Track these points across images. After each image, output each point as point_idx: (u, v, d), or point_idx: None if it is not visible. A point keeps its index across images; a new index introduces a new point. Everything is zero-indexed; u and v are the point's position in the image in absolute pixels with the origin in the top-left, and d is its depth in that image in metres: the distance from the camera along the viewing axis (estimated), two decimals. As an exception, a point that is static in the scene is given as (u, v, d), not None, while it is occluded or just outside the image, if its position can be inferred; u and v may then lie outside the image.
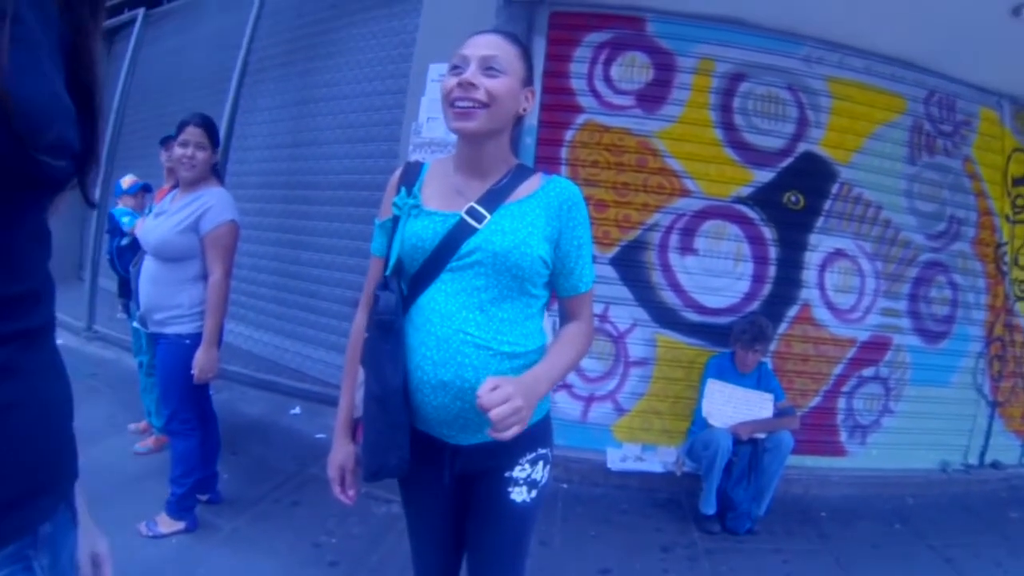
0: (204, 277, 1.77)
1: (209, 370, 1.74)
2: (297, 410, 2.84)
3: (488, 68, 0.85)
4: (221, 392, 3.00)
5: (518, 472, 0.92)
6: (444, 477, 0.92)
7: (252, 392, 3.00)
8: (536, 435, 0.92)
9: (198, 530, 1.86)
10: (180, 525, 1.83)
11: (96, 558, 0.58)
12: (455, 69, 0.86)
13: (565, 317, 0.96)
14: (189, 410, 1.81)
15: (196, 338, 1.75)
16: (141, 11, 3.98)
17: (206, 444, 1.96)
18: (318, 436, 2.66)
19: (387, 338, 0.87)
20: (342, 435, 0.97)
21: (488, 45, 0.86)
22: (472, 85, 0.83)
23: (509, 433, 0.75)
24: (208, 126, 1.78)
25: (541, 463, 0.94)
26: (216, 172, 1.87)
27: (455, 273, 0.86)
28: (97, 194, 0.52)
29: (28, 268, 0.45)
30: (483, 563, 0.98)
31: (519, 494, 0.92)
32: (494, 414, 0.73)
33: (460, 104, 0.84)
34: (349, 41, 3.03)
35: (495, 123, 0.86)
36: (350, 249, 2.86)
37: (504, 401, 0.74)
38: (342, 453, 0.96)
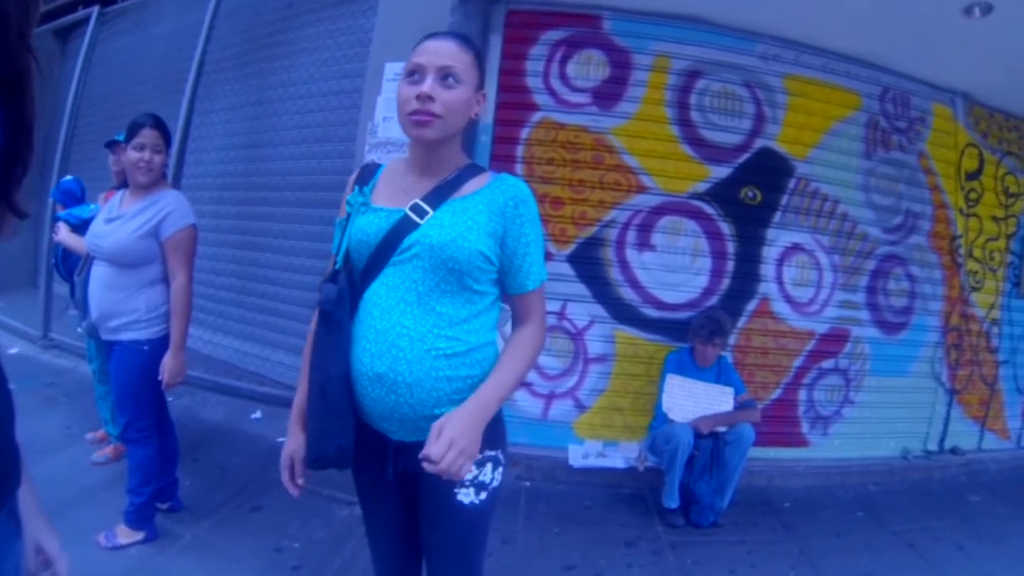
0: (160, 281, 1.74)
1: (178, 375, 1.73)
2: (258, 414, 2.79)
3: (445, 78, 0.86)
4: (181, 398, 2.94)
5: None
6: (388, 474, 0.93)
7: (213, 397, 2.94)
8: (483, 436, 0.90)
9: (159, 539, 1.82)
10: (139, 535, 1.79)
11: (46, 557, 0.56)
12: (411, 76, 0.86)
13: (516, 318, 0.96)
14: (146, 418, 1.77)
15: (154, 344, 1.72)
16: (95, 9, 3.88)
17: (164, 452, 1.92)
18: (279, 440, 2.60)
19: (328, 328, 0.89)
20: (295, 425, 0.98)
21: (445, 54, 0.86)
22: (430, 98, 0.85)
23: (462, 472, 0.78)
24: (162, 127, 1.75)
25: (490, 465, 0.93)
26: (165, 174, 1.83)
27: (396, 267, 0.88)
28: (28, 203, 0.49)
29: None
30: (437, 564, 0.97)
31: (466, 496, 0.92)
32: (442, 467, 0.76)
33: (416, 116, 0.85)
34: (305, 40, 2.99)
35: (449, 131, 0.89)
36: (309, 251, 2.82)
37: (447, 449, 0.77)
38: (293, 443, 0.97)
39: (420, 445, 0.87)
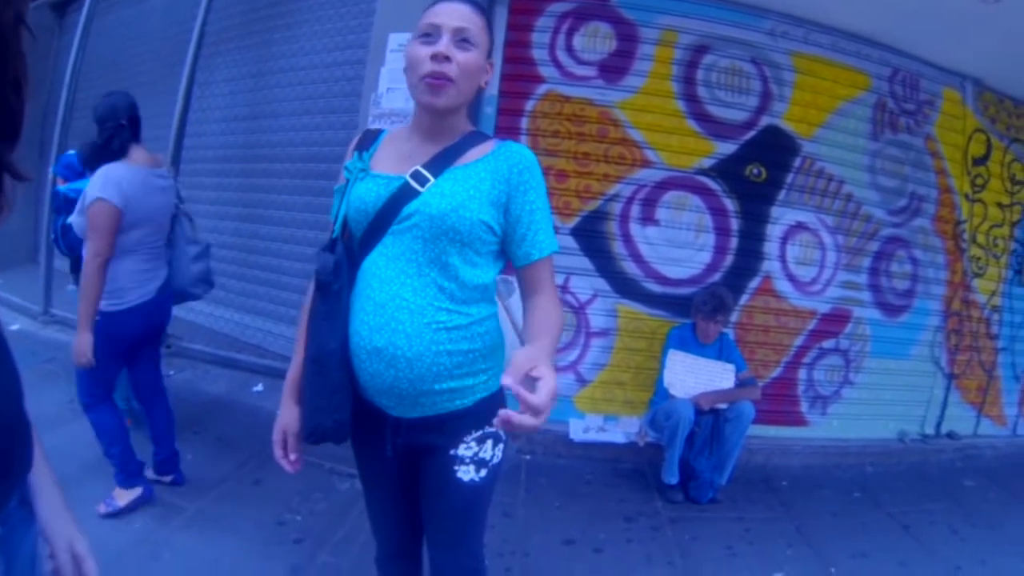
0: (113, 259, 1.74)
1: (80, 355, 1.65)
2: (260, 387, 2.79)
3: (461, 40, 0.83)
4: (183, 371, 2.95)
5: (463, 450, 0.90)
6: (387, 450, 0.91)
7: (214, 370, 2.93)
8: (484, 412, 0.89)
9: (163, 512, 1.84)
10: (136, 492, 1.81)
11: (76, 557, 0.56)
12: (426, 37, 0.83)
13: (525, 290, 0.90)
14: (98, 385, 1.78)
15: (104, 316, 1.71)
16: (93, -19, 3.81)
17: (155, 422, 1.93)
18: (279, 412, 2.62)
19: (325, 299, 0.86)
20: (288, 398, 0.94)
21: (461, 16, 0.83)
22: (447, 58, 0.81)
23: (542, 418, 0.66)
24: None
25: (491, 441, 0.92)
26: (111, 148, 1.75)
27: (396, 237, 0.84)
28: (26, 167, 0.46)
29: None
30: (437, 539, 0.97)
31: (465, 472, 0.90)
32: (541, 420, 0.66)
33: (432, 78, 0.81)
34: (308, 11, 2.95)
35: (462, 98, 0.85)
36: (310, 222, 2.80)
37: (550, 401, 0.66)
38: (286, 416, 0.93)
39: (418, 422, 0.88)
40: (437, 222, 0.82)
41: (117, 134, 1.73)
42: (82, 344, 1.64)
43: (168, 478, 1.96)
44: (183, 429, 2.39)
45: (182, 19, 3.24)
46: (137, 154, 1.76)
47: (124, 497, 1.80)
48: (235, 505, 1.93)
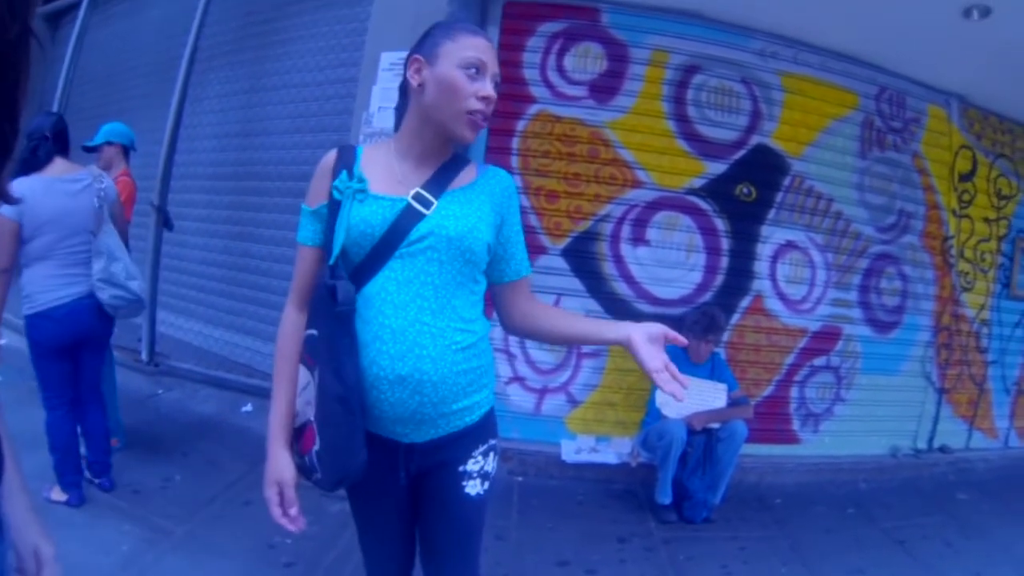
0: (24, 265, 1.83)
1: None
2: (249, 407, 2.76)
3: (495, 84, 0.87)
4: (172, 390, 2.91)
5: (471, 465, 0.91)
6: (399, 479, 0.89)
7: (203, 389, 2.90)
8: (488, 426, 0.92)
9: (150, 534, 1.83)
10: (64, 497, 1.90)
11: (40, 561, 0.55)
12: (471, 71, 0.83)
13: (520, 303, 0.96)
14: (46, 389, 1.89)
15: (29, 320, 1.84)
16: (88, -8, 3.81)
17: (88, 425, 1.99)
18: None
19: (346, 331, 0.82)
20: (278, 446, 0.87)
21: (495, 59, 0.87)
22: (493, 103, 0.85)
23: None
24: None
25: (492, 454, 0.94)
26: (37, 158, 1.86)
27: (405, 260, 0.83)
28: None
29: None
30: (440, 559, 0.95)
31: (473, 487, 0.91)
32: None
33: (481, 117, 0.84)
34: (300, 28, 2.96)
35: None
36: None
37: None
38: (279, 466, 0.86)
39: (431, 444, 0.87)
40: (455, 243, 0.83)
41: (42, 145, 1.83)
42: None
43: (97, 480, 2.02)
44: (171, 449, 2.38)
45: (175, 34, 3.24)
46: (56, 166, 1.86)
47: (56, 494, 1.91)
48: (224, 527, 1.91)
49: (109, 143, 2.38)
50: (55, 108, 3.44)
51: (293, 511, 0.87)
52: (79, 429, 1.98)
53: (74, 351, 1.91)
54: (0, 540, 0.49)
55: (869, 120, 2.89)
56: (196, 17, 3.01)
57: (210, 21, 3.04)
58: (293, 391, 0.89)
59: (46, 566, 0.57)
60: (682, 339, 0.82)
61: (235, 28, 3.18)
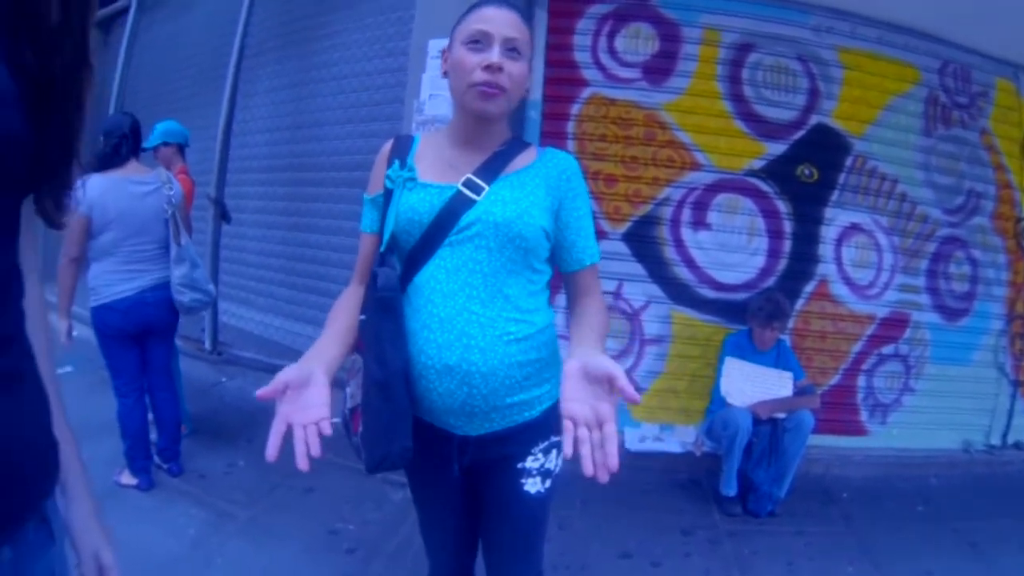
0: (94, 260, 1.93)
1: (60, 336, 1.88)
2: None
3: (510, 50, 0.81)
4: (235, 378, 2.98)
5: (531, 462, 0.88)
6: (453, 470, 0.88)
7: (266, 377, 2.89)
8: (550, 422, 0.88)
9: (216, 519, 1.89)
10: (134, 481, 1.99)
11: (102, 567, 0.55)
12: (474, 44, 0.81)
13: (574, 295, 0.90)
14: (115, 377, 1.96)
15: (94, 311, 1.93)
16: (135, -3, 3.94)
17: (160, 412, 2.08)
18: (333, 420, 2.62)
19: (389, 318, 0.82)
20: (308, 358, 0.76)
21: (510, 25, 0.82)
22: (500, 69, 0.80)
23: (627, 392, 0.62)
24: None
25: (555, 451, 0.90)
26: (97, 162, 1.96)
27: (455, 248, 0.82)
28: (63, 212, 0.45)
29: None
30: (499, 556, 0.94)
31: (532, 485, 0.89)
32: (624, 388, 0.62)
33: (485, 87, 0.80)
34: (346, 21, 2.97)
35: (511, 107, 0.85)
36: (357, 230, 2.77)
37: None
38: (297, 368, 0.72)
39: (486, 438, 0.85)
40: (503, 230, 0.81)
41: (124, 143, 1.94)
42: (61, 329, 1.88)
43: (166, 466, 2.10)
44: (236, 436, 2.44)
45: (222, 32, 3.30)
46: (129, 166, 1.96)
47: (126, 478, 2.00)
48: (287, 513, 1.94)
49: (165, 143, 2.44)
50: (111, 110, 3.55)
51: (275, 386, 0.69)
52: (150, 416, 2.05)
53: (141, 340, 1.99)
54: (44, 552, 0.48)
55: (933, 96, 2.74)
56: (242, 14, 3.06)
57: (256, 18, 3.10)
58: (339, 327, 0.84)
59: (108, 572, 0.56)
60: (634, 396, 0.61)
61: (280, 24, 3.23)
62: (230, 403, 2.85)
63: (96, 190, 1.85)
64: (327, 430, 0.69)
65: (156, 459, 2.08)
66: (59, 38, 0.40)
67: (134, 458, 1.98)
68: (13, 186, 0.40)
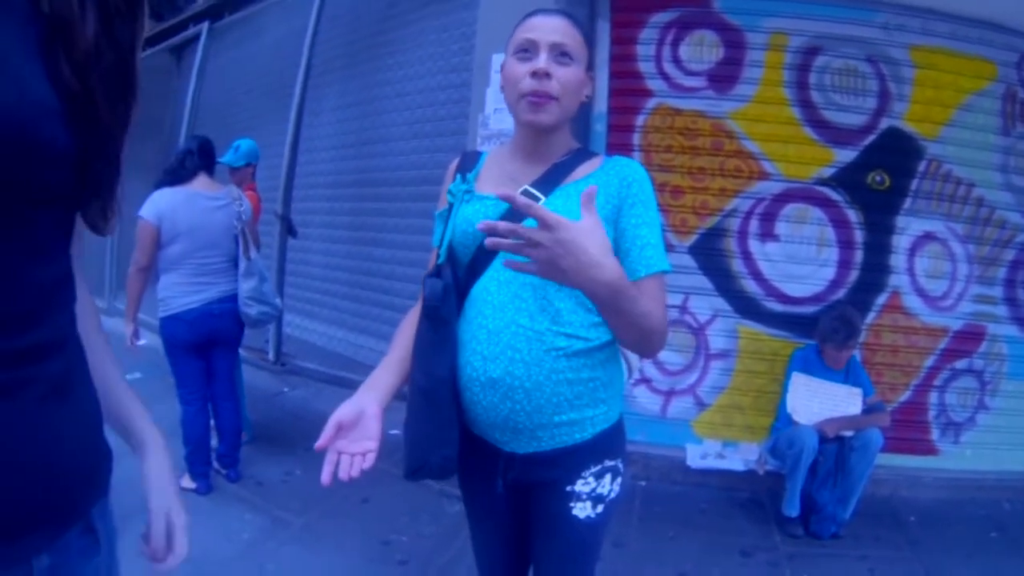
0: (163, 271, 2.00)
1: (127, 340, 2.00)
2: (369, 406, 2.89)
3: (560, 55, 0.80)
4: (297, 389, 3.10)
5: (580, 486, 0.85)
6: (497, 486, 0.86)
7: (328, 389, 3.03)
8: (603, 445, 0.85)
9: (271, 525, 1.95)
10: (192, 485, 2.04)
11: (170, 526, 0.58)
12: (522, 54, 0.81)
13: None
14: (180, 386, 2.04)
15: (161, 322, 2.02)
16: (205, 25, 4.16)
17: (221, 420, 2.15)
18: (391, 432, 2.69)
19: (434, 328, 0.82)
20: (364, 389, 0.81)
21: (557, 30, 0.81)
22: (547, 75, 0.79)
23: (505, 243, 0.64)
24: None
25: (609, 476, 0.86)
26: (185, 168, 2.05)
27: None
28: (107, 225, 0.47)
29: (23, 289, 0.40)
30: None
31: (582, 510, 0.85)
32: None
33: (534, 96, 0.79)
34: (409, 38, 3.05)
35: (566, 115, 0.83)
36: (422, 245, 2.82)
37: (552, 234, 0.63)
38: (351, 404, 0.77)
39: (533, 457, 0.83)
40: None
41: (188, 159, 2.02)
42: (127, 334, 2.01)
43: (225, 471, 2.16)
44: (294, 445, 2.50)
45: (289, 53, 3.42)
46: (199, 181, 2.03)
47: (186, 482, 2.05)
48: (341, 522, 1.96)
49: (248, 164, 2.57)
50: (183, 133, 3.77)
51: (328, 437, 0.75)
52: (212, 423, 2.12)
53: (206, 350, 2.06)
54: (88, 560, 0.47)
55: (1011, 92, 2.57)
56: (307, 36, 3.18)
57: (321, 39, 3.20)
58: (395, 357, 0.87)
59: (177, 532, 0.58)
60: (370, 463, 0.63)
61: (344, 44, 3.34)
62: (291, 412, 2.86)
63: (166, 202, 1.92)
64: (369, 462, 0.75)
65: (216, 465, 2.13)
66: (96, 54, 0.41)
67: (194, 463, 2.03)
68: (63, 197, 0.41)
